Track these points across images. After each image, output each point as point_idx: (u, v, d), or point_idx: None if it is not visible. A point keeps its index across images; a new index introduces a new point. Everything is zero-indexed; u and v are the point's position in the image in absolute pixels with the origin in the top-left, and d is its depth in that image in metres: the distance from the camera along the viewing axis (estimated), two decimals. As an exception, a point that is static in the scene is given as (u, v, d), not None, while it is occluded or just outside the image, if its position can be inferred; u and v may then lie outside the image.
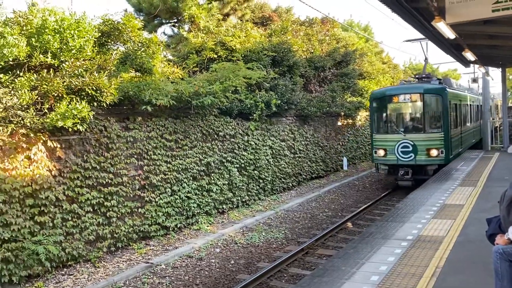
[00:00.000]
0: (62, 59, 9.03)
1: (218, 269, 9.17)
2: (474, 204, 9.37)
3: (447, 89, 15.44)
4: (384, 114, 16.25)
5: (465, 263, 5.95)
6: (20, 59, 8.35)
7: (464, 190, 10.94)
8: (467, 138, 19.94)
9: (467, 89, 24.41)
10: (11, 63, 8.34)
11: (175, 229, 11.04)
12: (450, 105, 15.52)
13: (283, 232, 11.68)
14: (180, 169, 11.26)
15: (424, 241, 7.03)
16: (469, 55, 15.62)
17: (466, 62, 20.65)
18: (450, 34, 10.28)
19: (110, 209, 9.44)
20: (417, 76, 18.10)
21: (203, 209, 11.93)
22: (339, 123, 21.15)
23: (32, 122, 7.92)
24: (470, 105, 21.07)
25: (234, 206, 13.30)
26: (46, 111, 8.28)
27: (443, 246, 6.73)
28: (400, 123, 16.01)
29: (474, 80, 28.75)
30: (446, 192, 10.88)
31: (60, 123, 8.06)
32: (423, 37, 15.34)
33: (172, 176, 10.99)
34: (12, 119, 7.77)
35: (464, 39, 12.99)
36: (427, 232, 7.53)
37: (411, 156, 14.87)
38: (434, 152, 14.66)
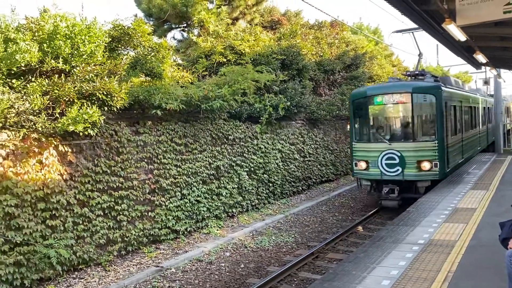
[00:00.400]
0: (73, 64, 9.12)
1: (228, 273, 9.16)
2: (487, 208, 9.25)
3: (442, 88, 12.87)
4: (366, 119, 13.64)
5: (478, 268, 5.87)
6: (32, 64, 8.44)
7: (476, 194, 10.82)
8: (471, 145, 17.39)
9: (473, 89, 22.67)
10: (23, 68, 8.45)
11: (185, 232, 11.06)
12: (447, 107, 13.04)
13: (293, 236, 11.63)
14: (190, 173, 11.29)
15: (436, 245, 6.95)
16: (480, 57, 15.45)
17: (477, 64, 20.42)
18: (461, 36, 10.19)
19: (121, 213, 9.49)
20: (408, 73, 15.56)
21: (213, 213, 11.94)
22: (349, 127, 21.04)
23: (43, 126, 8.01)
24: (475, 107, 18.72)
25: (244, 210, 13.29)
26: (58, 115, 8.36)
27: (455, 250, 6.65)
28: (385, 129, 13.53)
29: (486, 82, 28.46)
30: (458, 195, 10.76)
31: (71, 128, 8.13)
32: (416, 26, 12.97)
33: (182, 180, 11.01)
34: (24, 123, 7.86)
35: (475, 41, 12.85)
36: (438, 236, 7.44)
37: (398, 169, 12.32)
38: (426, 165, 12.10)
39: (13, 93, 8.04)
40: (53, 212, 8.18)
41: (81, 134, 8.47)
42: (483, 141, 20.82)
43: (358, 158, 13.24)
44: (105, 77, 9.23)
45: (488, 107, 23.11)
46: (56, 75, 8.75)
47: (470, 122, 17.40)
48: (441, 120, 12.41)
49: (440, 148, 12.27)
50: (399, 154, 12.30)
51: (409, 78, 15.08)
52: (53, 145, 8.27)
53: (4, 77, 8.13)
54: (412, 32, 15.87)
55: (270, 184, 14.59)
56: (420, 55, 16.36)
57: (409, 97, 12.52)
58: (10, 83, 8.23)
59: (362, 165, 13.01)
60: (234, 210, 12.81)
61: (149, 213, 10.17)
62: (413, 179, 12.37)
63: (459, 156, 14.74)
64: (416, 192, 12.46)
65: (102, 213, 9.10)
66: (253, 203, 13.66)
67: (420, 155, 12.25)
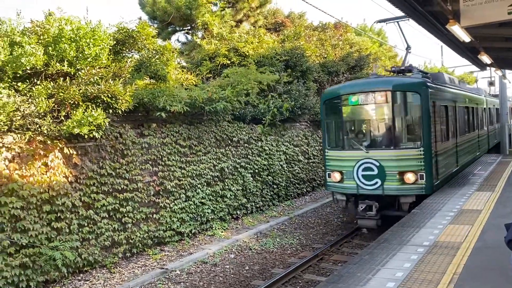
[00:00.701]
0: (78, 67, 9.18)
1: (232, 275, 9.16)
2: (492, 210, 9.20)
3: (429, 85, 10.99)
4: (339, 122, 11.53)
5: (484, 270, 5.83)
6: (37, 67, 8.50)
7: (482, 195, 10.76)
8: (468, 151, 15.47)
9: (472, 88, 20.98)
10: (28, 71, 8.51)
11: (190, 235, 11.08)
12: (436, 107, 11.17)
13: (297, 238, 11.62)
14: (194, 175, 11.31)
15: (441, 247, 6.92)
16: (485, 58, 15.39)
17: (482, 66, 20.37)
18: (465, 37, 10.16)
19: (126, 215, 9.51)
20: (393, 68, 13.65)
21: (217, 215, 11.95)
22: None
23: (49, 129, 8.06)
24: (474, 107, 16.82)
25: (248, 211, 13.29)
26: (63, 118, 8.41)
27: (461, 252, 6.62)
28: (361, 134, 11.67)
29: (491, 83, 28.33)
30: (463, 197, 10.71)
31: (76, 130, 8.17)
32: (402, 15, 11.81)
33: (186, 182, 11.03)
34: (29, 126, 7.91)
35: (479, 42, 12.81)
36: (444, 238, 7.41)
37: (376, 182, 10.46)
38: (410, 177, 10.26)
39: (18, 96, 8.10)
40: (59, 215, 8.22)
41: (86, 136, 8.51)
42: (484, 145, 18.99)
43: (331, 168, 11.37)
44: (110, 80, 9.28)
45: (489, 108, 21.53)
46: (61, 78, 8.81)
47: (467, 124, 15.53)
48: (428, 122, 10.52)
49: (426, 156, 10.40)
50: (377, 164, 10.41)
51: (394, 75, 13.35)
52: (58, 148, 8.31)
53: (10, 80, 8.19)
54: (397, 22, 13.94)
55: (275, 186, 14.59)
56: (408, 48, 14.39)
57: (389, 96, 10.58)
58: (15, 86, 8.30)
59: (336, 176, 11.12)
60: (238, 212, 12.82)
61: (154, 215, 10.20)
62: (395, 193, 10.48)
63: (452, 165, 12.83)
64: (399, 209, 10.60)
65: (107, 215, 9.13)
66: (257, 205, 13.66)
67: (403, 165, 10.38)
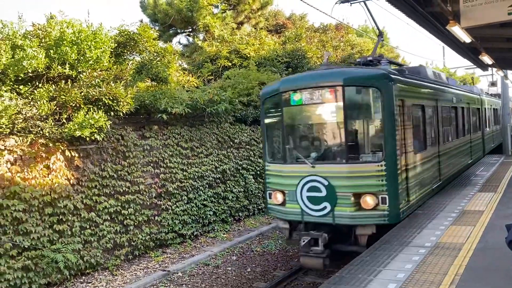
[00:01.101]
0: (79, 70, 9.21)
1: (234, 277, 9.16)
2: (494, 210, 9.18)
3: (394, 78, 8.35)
4: (280, 127, 9.00)
5: (485, 271, 5.82)
6: (39, 70, 8.54)
7: (484, 196, 10.74)
8: (455, 160, 12.82)
9: (464, 86, 19.01)
10: (30, 74, 8.55)
11: (192, 236, 11.08)
12: (406, 107, 8.68)
13: (299, 239, 11.61)
14: (196, 177, 11.32)
15: (443, 248, 6.91)
16: (486, 59, 15.37)
17: (483, 66, 20.36)
18: (465, 38, 10.16)
19: (127, 217, 9.53)
20: (359, 59, 10.52)
21: (219, 217, 11.95)
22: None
23: (50, 132, 8.08)
24: (464, 108, 14.54)
25: (250, 213, 13.29)
26: (64, 121, 8.44)
27: (462, 253, 6.61)
28: (307, 143, 9.17)
29: (493, 84, 28.27)
30: (465, 198, 10.69)
31: (78, 133, 8.20)
32: None
33: (188, 183, 11.05)
34: (31, 129, 7.94)
35: (480, 43, 12.81)
36: (445, 239, 7.40)
37: (325, 207, 8.03)
38: (368, 201, 7.83)
39: (20, 99, 8.13)
40: (61, 217, 8.24)
41: (87, 139, 8.53)
42: (477, 150, 16.67)
43: (272, 186, 8.92)
44: (111, 82, 9.31)
45: (486, 108, 19.45)
46: (63, 81, 8.84)
47: (455, 128, 13.19)
48: (392, 127, 8.01)
49: (390, 172, 7.88)
50: (326, 183, 7.98)
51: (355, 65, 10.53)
52: (60, 150, 8.34)
53: (11, 83, 8.23)
54: (364, 2, 11.12)
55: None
56: (380, 35, 11.70)
57: (339, 93, 8.12)
58: (17, 89, 8.33)
59: (278, 197, 8.69)
60: (240, 214, 12.83)
61: (156, 217, 10.21)
62: (349, 222, 7.98)
63: (433, 180, 10.33)
64: (356, 243, 8.11)
65: (109, 218, 9.15)
66: (259, 207, 13.66)
67: (359, 184, 7.92)
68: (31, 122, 7.94)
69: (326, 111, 8.60)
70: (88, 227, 8.73)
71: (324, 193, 8.04)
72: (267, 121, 9.34)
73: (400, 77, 8.72)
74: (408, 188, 8.53)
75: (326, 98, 8.25)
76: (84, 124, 8.21)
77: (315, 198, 8.11)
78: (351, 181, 7.94)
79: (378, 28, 11.55)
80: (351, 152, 8.20)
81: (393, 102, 8.03)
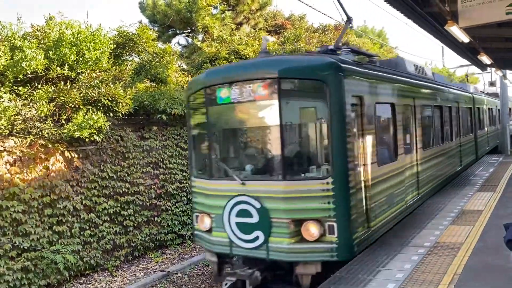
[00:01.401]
0: (78, 71, 9.22)
1: (234, 277, 9.16)
2: (493, 210, 9.20)
3: (347, 68, 6.52)
4: (204, 132, 7.29)
5: (484, 270, 5.84)
6: (38, 71, 8.55)
7: (483, 196, 10.76)
8: (440, 168, 11.10)
9: (453, 84, 17.27)
10: (29, 76, 8.55)
11: (191, 237, 11.09)
12: (364, 107, 6.80)
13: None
14: (195, 178, 11.32)
15: (442, 248, 6.93)
16: (484, 59, 15.41)
17: (482, 66, 20.38)
18: (464, 38, 10.19)
19: (127, 218, 9.53)
20: (318, 49, 8.32)
21: (219, 217, 11.94)
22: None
23: (50, 133, 8.09)
24: (452, 107, 12.95)
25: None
26: (64, 122, 8.45)
27: (461, 252, 6.62)
28: (237, 154, 7.54)
29: (492, 84, 28.30)
30: (465, 197, 10.71)
31: (77, 134, 8.21)
32: None
33: (187, 184, 11.05)
34: (30, 130, 7.95)
35: (479, 43, 12.83)
36: (445, 239, 7.41)
37: (257, 237, 6.31)
38: (311, 230, 6.09)
39: (19, 100, 8.14)
40: (60, 218, 8.24)
41: (87, 140, 8.54)
42: (468, 155, 15.01)
43: (198, 208, 7.14)
44: (110, 83, 9.33)
45: (480, 108, 18.09)
46: (62, 82, 8.85)
47: (440, 131, 11.49)
48: (342, 132, 6.15)
49: (340, 191, 6.08)
50: (258, 206, 6.21)
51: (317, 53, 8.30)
52: (59, 151, 8.34)
53: (10, 84, 8.23)
54: None
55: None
56: (348, 21, 9.00)
57: (274, 88, 6.27)
58: (16, 90, 8.34)
59: (205, 222, 6.87)
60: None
61: (155, 218, 10.21)
62: (286, 258, 6.22)
63: (407, 195, 8.44)
64: (298, 283, 6.32)
65: (108, 219, 9.15)
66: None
67: (299, 208, 6.12)
68: (30, 123, 7.95)
69: (259, 111, 6.77)
70: (87, 228, 8.73)
71: (256, 218, 6.21)
72: (193, 124, 7.50)
73: (356, 68, 6.90)
74: (368, 211, 6.73)
75: (258, 94, 6.36)
76: (83, 125, 8.22)
77: (246, 226, 6.27)
78: (289, 203, 6.12)
79: (345, 13, 8.97)
80: (289, 166, 6.41)
81: (344, 100, 6.16)
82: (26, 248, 7.64)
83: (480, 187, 11.96)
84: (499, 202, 9.90)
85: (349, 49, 7.86)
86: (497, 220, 8.24)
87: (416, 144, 9.18)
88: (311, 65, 6.43)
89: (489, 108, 21.28)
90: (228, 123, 7.47)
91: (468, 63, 20.82)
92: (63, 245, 8.19)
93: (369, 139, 6.87)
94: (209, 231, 6.83)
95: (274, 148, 6.72)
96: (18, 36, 8.51)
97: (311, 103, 6.97)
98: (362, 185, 6.64)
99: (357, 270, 6.22)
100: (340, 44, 8.16)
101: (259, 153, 7.27)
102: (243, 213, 6.32)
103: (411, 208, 8.78)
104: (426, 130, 10.13)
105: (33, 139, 7.92)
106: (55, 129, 8.23)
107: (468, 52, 15.68)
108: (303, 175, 6.44)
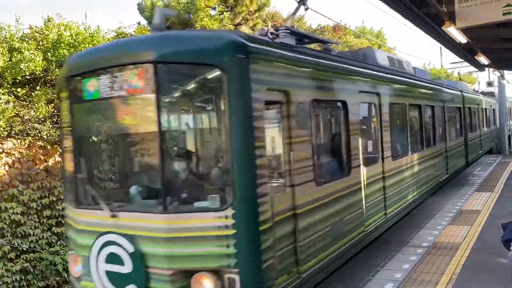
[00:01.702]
0: (77, 73, 9.20)
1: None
2: (491, 210, 9.23)
3: (256, 48, 4.47)
4: (69, 141, 4.92)
5: (482, 270, 5.86)
6: (37, 73, 8.55)
7: (481, 196, 10.79)
8: (418, 180, 9.28)
9: (442, 81, 15.93)
10: (28, 77, 8.55)
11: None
12: (293, 105, 4.89)
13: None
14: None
15: (440, 248, 6.95)
16: (482, 59, 15.45)
17: (480, 66, 20.44)
18: (461, 38, 10.22)
19: (126, 219, 9.51)
20: (257, 33, 5.95)
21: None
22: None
23: (48, 134, 8.09)
24: (436, 107, 11.28)
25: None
26: (62, 123, 8.44)
27: (460, 252, 6.65)
28: (107, 172, 5.81)
29: (489, 84, 28.36)
30: (463, 197, 10.74)
31: (76, 135, 8.19)
32: None
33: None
34: (29, 132, 7.95)
35: (476, 43, 12.86)
36: (443, 239, 7.44)
37: None
38: (206, 286, 4.01)
39: (18, 101, 8.14)
40: (59, 219, 8.23)
41: (85, 141, 8.53)
42: (456, 161, 13.36)
43: (70, 246, 5.12)
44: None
45: (471, 108, 16.51)
46: (61, 84, 8.85)
47: (419, 134, 9.89)
48: (248, 142, 4.22)
49: (246, 228, 4.17)
50: (131, 249, 4.25)
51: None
52: (58, 153, 8.34)
53: (9, 86, 8.23)
54: None
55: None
56: (301, 1, 6.88)
57: (150, 77, 4.22)
58: (15, 92, 8.34)
59: (76, 265, 4.85)
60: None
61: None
62: None
63: (364, 221, 6.53)
64: None
65: (107, 220, 9.13)
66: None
67: (187, 253, 4.19)
68: (29, 124, 7.95)
69: (133, 112, 4.76)
70: (86, 229, 8.71)
71: (128, 267, 4.26)
72: (61, 128, 5.27)
73: (277, 51, 4.91)
74: (298, 250, 4.83)
75: (131, 87, 4.32)
76: (82, 126, 8.22)
77: (117, 276, 4.34)
78: (173, 246, 4.17)
79: None
80: (172, 192, 4.43)
81: (250, 95, 4.25)
82: (25, 249, 7.63)
83: (479, 187, 12.00)
84: (497, 202, 9.93)
85: (289, 31, 5.77)
86: (495, 220, 8.27)
87: (382, 152, 7.38)
88: (202, 45, 4.35)
89: (483, 108, 19.67)
90: (98, 128, 5.39)
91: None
92: (62, 247, 8.18)
93: (300, 150, 4.98)
94: (79, 278, 4.82)
95: (152, 165, 4.83)
96: (17, 38, 8.51)
97: (204, 99, 5.07)
98: (287, 214, 4.72)
99: (356, 270, 6.24)
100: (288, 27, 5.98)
101: (131, 171, 5.39)
102: (113, 258, 4.33)
103: (375, 234, 6.93)
104: (397, 134, 8.33)
105: (31, 141, 7.93)
106: (54, 131, 8.23)
107: (466, 52, 15.73)
108: (193, 205, 4.38)
